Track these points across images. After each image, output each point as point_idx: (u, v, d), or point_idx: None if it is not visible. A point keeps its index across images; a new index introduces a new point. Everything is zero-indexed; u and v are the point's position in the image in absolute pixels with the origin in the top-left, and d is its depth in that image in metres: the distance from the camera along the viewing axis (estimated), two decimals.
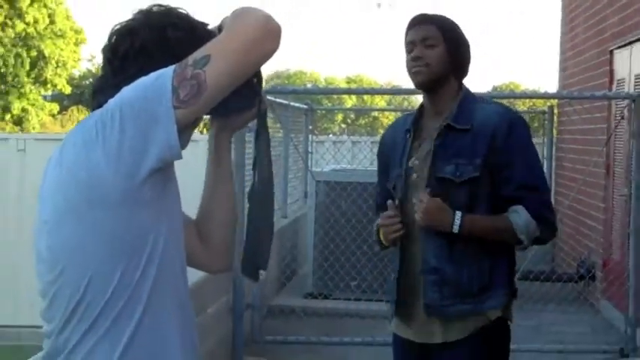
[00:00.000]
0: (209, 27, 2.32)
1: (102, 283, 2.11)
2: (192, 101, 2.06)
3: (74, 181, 2.12)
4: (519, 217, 3.53)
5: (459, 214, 3.53)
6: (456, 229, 3.52)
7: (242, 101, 2.29)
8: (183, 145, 2.13)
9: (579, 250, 11.21)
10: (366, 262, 9.30)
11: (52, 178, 2.20)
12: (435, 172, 3.61)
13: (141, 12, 2.32)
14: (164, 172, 2.15)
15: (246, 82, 2.20)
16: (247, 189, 2.43)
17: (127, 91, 2.11)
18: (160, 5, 2.32)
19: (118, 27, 2.31)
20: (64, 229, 2.14)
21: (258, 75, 2.30)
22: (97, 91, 2.29)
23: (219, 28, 2.25)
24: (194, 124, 2.25)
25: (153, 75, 2.10)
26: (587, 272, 10.27)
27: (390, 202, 3.71)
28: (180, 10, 2.32)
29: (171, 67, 2.09)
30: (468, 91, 3.75)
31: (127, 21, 2.31)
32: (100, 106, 2.20)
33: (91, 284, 2.10)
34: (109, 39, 2.32)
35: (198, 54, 2.09)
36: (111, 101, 2.13)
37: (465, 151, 3.58)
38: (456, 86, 3.70)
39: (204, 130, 14.62)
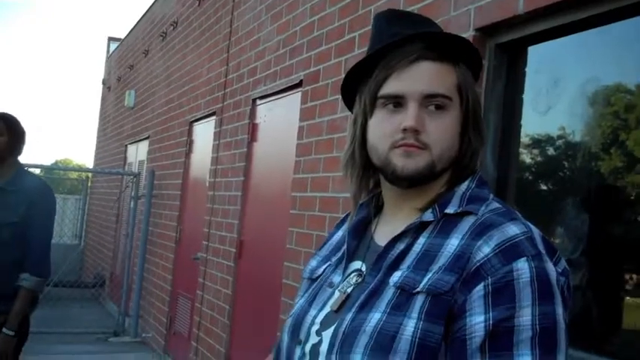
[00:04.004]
0: None
1: None
2: None
3: None
4: (29, 281, 3.21)
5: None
6: (11, 333, 3.16)
7: None
8: None
9: (96, 268, 11.08)
10: None
11: None
12: None
13: None
14: None
15: None
16: None
17: None
18: None
19: None
20: None
21: None
22: None
23: None
24: None
25: None
26: (100, 281, 10.15)
27: None
28: None
29: None
30: (21, 165, 3.46)
31: None
32: None
33: None
34: None
35: None
36: None
37: (10, 206, 3.25)
38: (12, 162, 3.38)
39: None
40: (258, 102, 5.11)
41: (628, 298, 2.15)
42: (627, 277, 2.16)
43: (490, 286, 0.99)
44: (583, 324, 2.16)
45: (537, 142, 2.52)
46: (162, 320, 7.10)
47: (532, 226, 1.07)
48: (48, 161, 32.84)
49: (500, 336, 0.97)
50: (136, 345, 7.56)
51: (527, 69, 2.54)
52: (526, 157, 2.57)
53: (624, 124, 2.16)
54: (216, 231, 5.62)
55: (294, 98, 4.38)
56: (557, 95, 2.38)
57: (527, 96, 2.50)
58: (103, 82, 13.72)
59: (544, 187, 2.64)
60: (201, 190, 6.28)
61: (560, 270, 1.05)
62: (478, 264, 1.01)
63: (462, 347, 0.99)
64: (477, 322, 0.99)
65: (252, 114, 5.17)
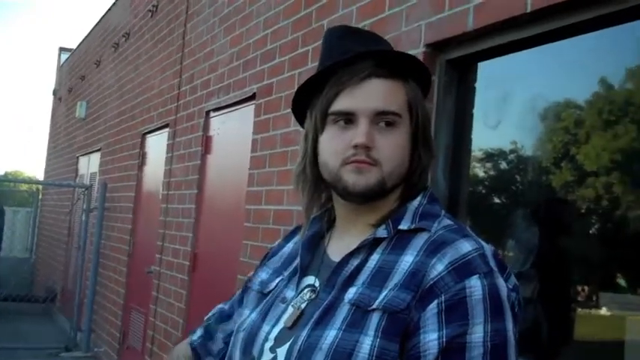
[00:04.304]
0: None
1: None
2: None
3: None
4: None
5: None
6: None
7: None
8: None
9: (47, 281, 10.84)
10: None
11: None
12: None
13: None
14: None
15: None
16: None
17: None
18: None
19: None
20: None
21: None
22: None
23: None
24: None
25: None
26: (51, 295, 9.94)
27: None
28: None
29: None
30: None
31: None
32: None
33: None
34: None
35: None
36: None
37: None
38: None
39: None
40: (212, 114, 5.06)
41: (579, 309, 2.18)
42: (579, 288, 2.19)
43: (443, 304, 1.00)
44: (534, 336, 2.17)
45: (489, 157, 2.55)
46: (115, 335, 6.96)
47: (484, 243, 1.08)
48: None
49: (453, 353, 0.98)
50: None
51: (477, 85, 2.56)
52: (478, 171, 2.59)
53: (574, 138, 2.19)
54: (169, 244, 5.54)
55: (248, 111, 4.34)
56: (507, 111, 2.41)
57: (478, 111, 2.52)
58: (54, 93, 13.46)
59: (496, 201, 2.66)
60: (155, 202, 6.18)
61: (510, 286, 1.06)
62: (432, 282, 1.02)
63: None
64: (431, 339, 0.99)
65: (206, 126, 5.11)
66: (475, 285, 1.00)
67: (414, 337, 1.00)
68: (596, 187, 2.08)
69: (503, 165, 2.51)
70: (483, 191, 2.65)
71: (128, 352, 6.56)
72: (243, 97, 4.41)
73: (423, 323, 1.00)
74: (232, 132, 4.74)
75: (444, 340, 0.98)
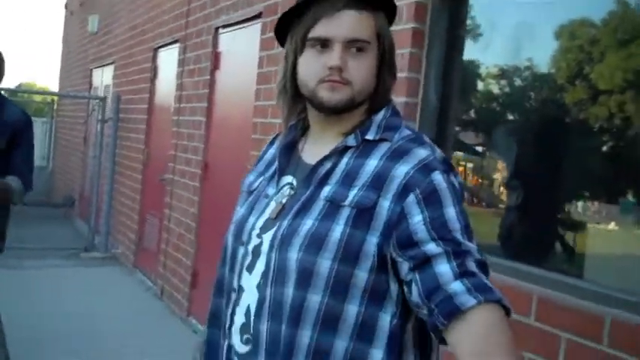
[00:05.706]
0: None
1: None
2: None
3: None
4: (14, 182, 3.20)
5: None
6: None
7: None
8: None
9: (65, 189, 11.08)
10: None
11: None
12: None
13: None
14: None
15: None
16: None
17: None
18: None
19: None
20: None
21: None
22: None
23: None
24: None
25: None
26: (70, 202, 10.20)
27: None
28: None
29: None
30: (1, 94, 3.41)
31: None
32: None
33: None
34: None
35: None
36: None
37: None
38: None
39: None
40: (221, 31, 5.12)
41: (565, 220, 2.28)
42: (584, 203, 2.30)
43: (420, 195, 1.21)
44: (511, 237, 2.32)
45: (479, 75, 2.63)
46: (132, 237, 7.24)
47: (437, 149, 1.29)
48: (12, 84, 31.69)
49: (438, 227, 1.19)
50: (106, 260, 7.71)
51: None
52: (493, 87, 2.65)
53: (588, 57, 2.22)
54: (181, 153, 5.71)
55: (255, 28, 4.41)
56: (512, 27, 2.40)
57: (474, 29, 2.57)
58: (66, 7, 13.34)
59: (486, 115, 2.76)
60: (167, 114, 6.31)
61: (459, 180, 1.29)
62: (405, 181, 1.22)
63: (409, 241, 1.20)
64: (417, 221, 1.20)
65: (215, 42, 5.18)
66: (439, 178, 1.22)
67: (400, 224, 1.20)
68: (608, 105, 2.13)
69: (519, 82, 2.54)
70: (485, 105, 2.72)
71: (144, 253, 6.85)
72: (251, 14, 4.48)
73: (408, 211, 1.20)
74: (240, 49, 4.82)
75: (428, 220, 1.19)
